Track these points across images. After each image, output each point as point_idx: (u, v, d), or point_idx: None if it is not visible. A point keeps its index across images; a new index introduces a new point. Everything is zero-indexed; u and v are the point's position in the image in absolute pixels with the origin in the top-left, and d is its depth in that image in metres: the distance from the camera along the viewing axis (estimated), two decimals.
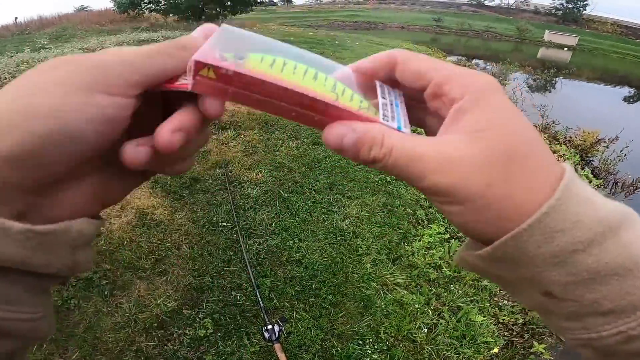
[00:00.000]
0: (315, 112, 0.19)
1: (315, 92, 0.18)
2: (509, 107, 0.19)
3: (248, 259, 2.05)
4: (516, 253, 0.17)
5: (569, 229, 0.16)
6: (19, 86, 0.17)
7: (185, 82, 0.19)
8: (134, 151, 0.19)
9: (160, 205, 2.50)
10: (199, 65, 0.18)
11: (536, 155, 0.18)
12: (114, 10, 13.58)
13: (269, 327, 1.40)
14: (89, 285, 1.89)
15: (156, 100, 0.22)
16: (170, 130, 0.18)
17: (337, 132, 0.19)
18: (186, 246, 2.20)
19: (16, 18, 13.40)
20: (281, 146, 3.39)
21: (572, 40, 27.07)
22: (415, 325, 1.93)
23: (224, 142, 3.37)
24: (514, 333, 2.10)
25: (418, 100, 0.21)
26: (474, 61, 13.17)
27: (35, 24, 13.00)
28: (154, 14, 13.94)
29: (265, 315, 1.53)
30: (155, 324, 1.74)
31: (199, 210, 2.49)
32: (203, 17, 13.96)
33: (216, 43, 0.19)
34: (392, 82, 0.22)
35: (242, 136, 3.50)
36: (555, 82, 11.09)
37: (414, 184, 0.19)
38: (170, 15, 13.61)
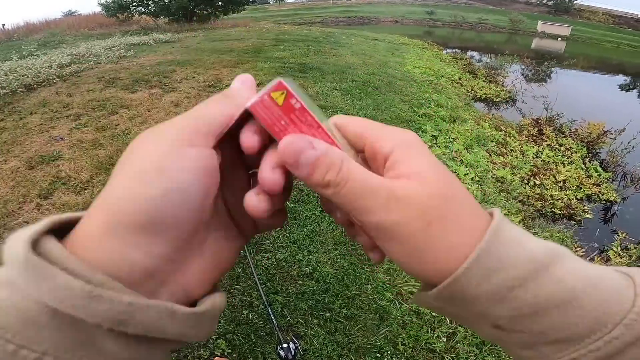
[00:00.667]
0: None
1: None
2: (434, 158, 0.21)
3: (257, 276, 1.96)
4: (460, 293, 0.18)
5: (503, 268, 0.18)
6: (123, 167, 0.18)
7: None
8: (256, 199, 0.20)
9: None
10: (280, 86, 0.20)
11: (465, 200, 0.20)
12: (102, 14, 13.35)
13: (284, 345, 1.34)
14: None
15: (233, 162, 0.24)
16: (270, 167, 0.20)
17: (295, 145, 0.19)
18: None
19: (4, 25, 13.12)
20: None
21: (565, 30, 27.09)
22: (434, 334, 1.86)
23: None
24: None
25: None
26: (469, 53, 13.07)
27: (22, 31, 12.72)
28: (143, 16, 13.71)
29: (279, 334, 1.45)
30: None
31: None
32: (194, 18, 13.76)
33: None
34: None
35: None
36: (551, 72, 11.04)
37: (359, 217, 0.20)
38: (161, 17, 13.39)
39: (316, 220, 2.51)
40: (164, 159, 0.18)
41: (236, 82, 0.23)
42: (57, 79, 5.02)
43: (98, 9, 13.57)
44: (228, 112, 0.21)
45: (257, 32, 10.66)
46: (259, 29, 11.90)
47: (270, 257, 2.18)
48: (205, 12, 14.06)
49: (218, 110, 0.21)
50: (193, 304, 0.20)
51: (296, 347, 1.36)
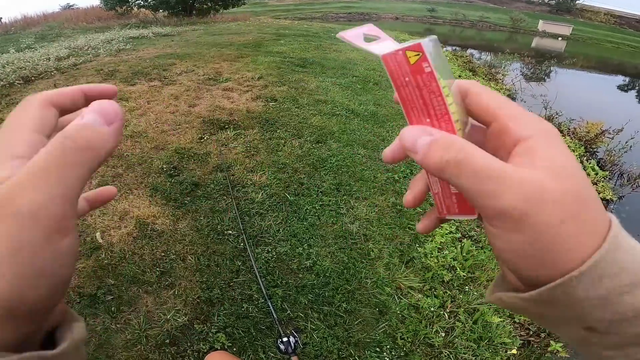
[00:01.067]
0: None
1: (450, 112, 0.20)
2: (570, 153, 0.20)
3: (257, 269, 1.97)
4: (564, 295, 0.18)
5: (616, 274, 0.18)
6: None
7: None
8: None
9: (161, 214, 2.39)
10: (417, 48, 0.19)
11: (594, 201, 0.19)
12: (101, 7, 13.21)
13: (284, 339, 1.35)
14: (94, 301, 1.81)
15: None
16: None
17: (413, 131, 0.20)
18: (191, 257, 2.10)
19: (1, 18, 12.97)
20: (284, 145, 3.27)
21: (566, 30, 27.05)
22: (432, 329, 1.88)
23: (223, 143, 3.24)
24: (530, 332, 2.07)
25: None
26: (469, 51, 13.04)
27: (19, 24, 12.60)
28: (143, 10, 13.57)
29: (279, 327, 1.46)
30: (167, 340, 1.66)
31: (202, 218, 2.39)
32: (194, 11, 13.64)
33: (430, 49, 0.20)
34: None
35: (243, 136, 3.38)
36: (551, 71, 11.05)
37: (483, 201, 0.18)
38: (160, 10, 13.26)
39: (316, 214, 2.52)
40: (36, 255, 0.16)
41: (91, 115, 0.19)
42: (55, 72, 4.98)
43: (96, 2, 13.47)
44: (87, 175, 0.18)
45: (257, 26, 10.59)
46: (259, 23, 11.82)
47: (270, 250, 2.18)
48: (205, 5, 13.93)
49: (79, 175, 0.18)
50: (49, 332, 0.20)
51: (296, 341, 1.35)
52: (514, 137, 0.20)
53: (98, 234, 2.21)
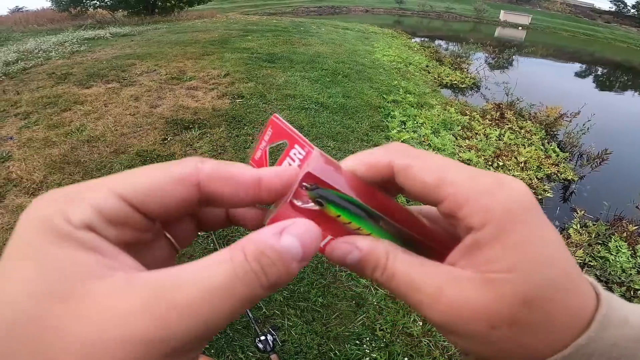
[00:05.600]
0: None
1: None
2: (538, 238, 0.16)
3: None
4: None
5: (605, 353, 0.16)
6: None
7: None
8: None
9: None
10: (310, 178, 0.18)
11: (564, 295, 0.16)
12: (52, 9, 12.41)
13: (262, 337, 1.31)
14: None
15: None
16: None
17: (341, 249, 0.19)
18: None
19: None
20: (252, 142, 3.19)
21: (525, 19, 28.24)
22: (410, 318, 1.89)
23: (188, 143, 3.12)
24: None
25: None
26: (437, 42, 13.33)
27: None
28: (99, 10, 12.87)
29: (255, 326, 1.42)
30: None
31: None
32: (156, 10, 13.08)
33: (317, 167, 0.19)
34: (396, 189, 0.20)
35: (208, 135, 3.26)
36: (512, 59, 11.50)
37: (418, 310, 0.18)
38: (119, 10, 12.62)
39: None
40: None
41: (294, 240, 0.16)
42: (3, 77, 4.62)
43: (48, 4, 12.61)
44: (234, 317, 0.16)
45: (224, 23, 10.31)
46: (226, 20, 11.52)
47: None
48: (168, 3, 13.37)
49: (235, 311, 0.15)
50: None
51: (274, 339, 1.32)
52: (465, 225, 0.17)
53: None
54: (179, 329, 0.12)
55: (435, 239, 0.20)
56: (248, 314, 1.59)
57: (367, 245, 0.18)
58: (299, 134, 0.20)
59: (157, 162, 2.84)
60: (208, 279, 0.13)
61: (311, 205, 0.18)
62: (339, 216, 0.19)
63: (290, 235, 0.15)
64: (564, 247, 0.17)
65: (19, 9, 20.85)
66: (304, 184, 0.18)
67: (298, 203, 0.18)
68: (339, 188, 0.18)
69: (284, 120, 0.20)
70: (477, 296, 0.16)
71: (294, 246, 0.15)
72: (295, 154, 0.19)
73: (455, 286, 0.16)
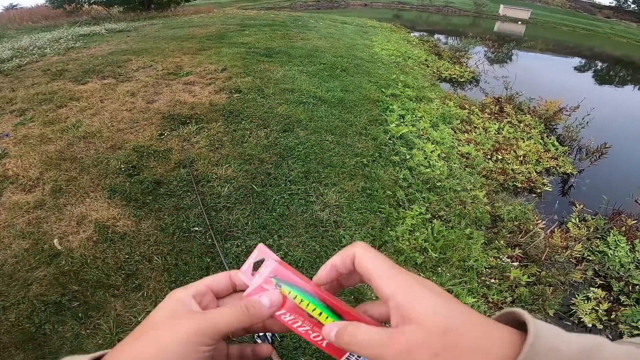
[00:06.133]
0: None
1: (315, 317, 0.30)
2: (436, 295, 0.24)
3: (227, 264, 1.90)
4: None
5: None
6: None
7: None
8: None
9: (122, 215, 2.25)
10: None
11: (472, 328, 0.22)
12: (47, 6, 12.29)
13: (261, 333, 1.30)
14: (59, 309, 1.71)
15: None
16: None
17: (329, 327, 0.28)
18: (158, 257, 2.00)
19: None
20: (249, 137, 3.17)
21: (525, 14, 28.01)
22: None
23: (185, 138, 3.09)
24: None
25: None
26: (436, 36, 13.24)
27: None
28: (94, 6, 12.73)
29: None
30: None
31: (166, 216, 2.27)
32: (152, 5, 12.95)
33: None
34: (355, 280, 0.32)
35: (206, 130, 3.24)
36: (512, 54, 11.44)
37: None
38: (115, 6, 12.49)
39: (285, 204, 2.46)
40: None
41: (266, 300, 0.30)
42: None
43: (42, 1, 12.49)
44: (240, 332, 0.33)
45: (221, 18, 10.21)
46: (224, 14, 11.42)
47: (239, 244, 2.11)
48: None
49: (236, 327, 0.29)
50: None
51: (273, 335, 1.33)
52: (383, 295, 0.25)
53: (56, 241, 2.08)
54: (219, 325, 0.27)
55: (360, 318, 0.29)
56: None
57: (340, 325, 0.28)
58: (273, 254, 0.32)
59: (154, 157, 2.83)
60: (229, 311, 0.28)
61: (273, 287, 0.30)
62: (289, 292, 0.30)
63: (265, 297, 0.30)
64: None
65: (13, 6, 20.58)
66: (271, 277, 0.30)
67: (266, 286, 0.30)
68: (292, 279, 0.30)
69: (268, 249, 0.32)
70: (415, 333, 0.23)
71: (265, 302, 0.29)
72: (266, 265, 0.31)
73: (399, 332, 0.24)
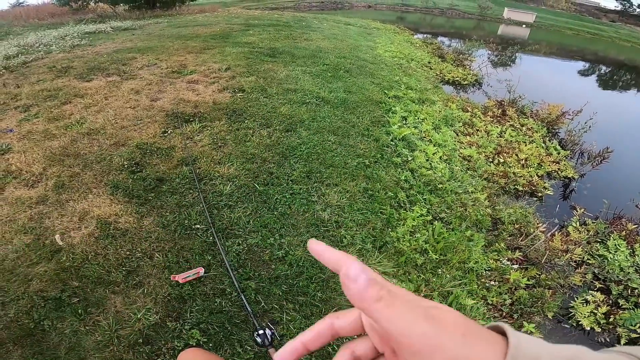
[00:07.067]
0: None
1: None
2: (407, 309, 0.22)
3: (228, 262, 1.90)
4: None
5: None
6: None
7: None
8: None
9: (124, 212, 2.27)
10: None
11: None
12: (53, 3, 12.37)
13: (260, 331, 1.31)
14: (59, 305, 1.71)
15: None
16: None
17: (356, 268, 0.23)
18: (159, 254, 2.01)
19: None
20: (252, 136, 3.18)
21: (529, 17, 27.95)
22: None
23: (188, 136, 3.11)
24: (504, 314, 2.12)
25: None
26: (439, 38, 13.25)
27: None
28: (101, 4, 12.80)
29: (254, 320, 1.42)
30: (140, 340, 1.59)
31: (168, 213, 2.28)
32: (157, 4, 13.00)
33: None
34: None
35: (209, 128, 3.25)
36: (515, 57, 11.43)
37: (400, 331, 0.21)
38: (120, 4, 12.55)
39: (287, 203, 2.47)
40: None
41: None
42: (3, 70, 4.62)
43: None
44: None
45: (225, 17, 10.25)
46: (228, 14, 11.45)
47: (241, 242, 2.12)
48: None
49: None
50: None
51: (272, 333, 1.33)
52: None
53: (57, 236, 2.09)
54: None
55: None
56: (247, 308, 1.60)
57: (374, 274, 0.23)
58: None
59: (157, 154, 2.85)
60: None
61: None
62: None
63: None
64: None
65: (20, 3, 20.68)
66: None
67: None
68: None
69: None
70: (448, 313, 0.22)
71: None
72: None
73: (434, 308, 0.23)
